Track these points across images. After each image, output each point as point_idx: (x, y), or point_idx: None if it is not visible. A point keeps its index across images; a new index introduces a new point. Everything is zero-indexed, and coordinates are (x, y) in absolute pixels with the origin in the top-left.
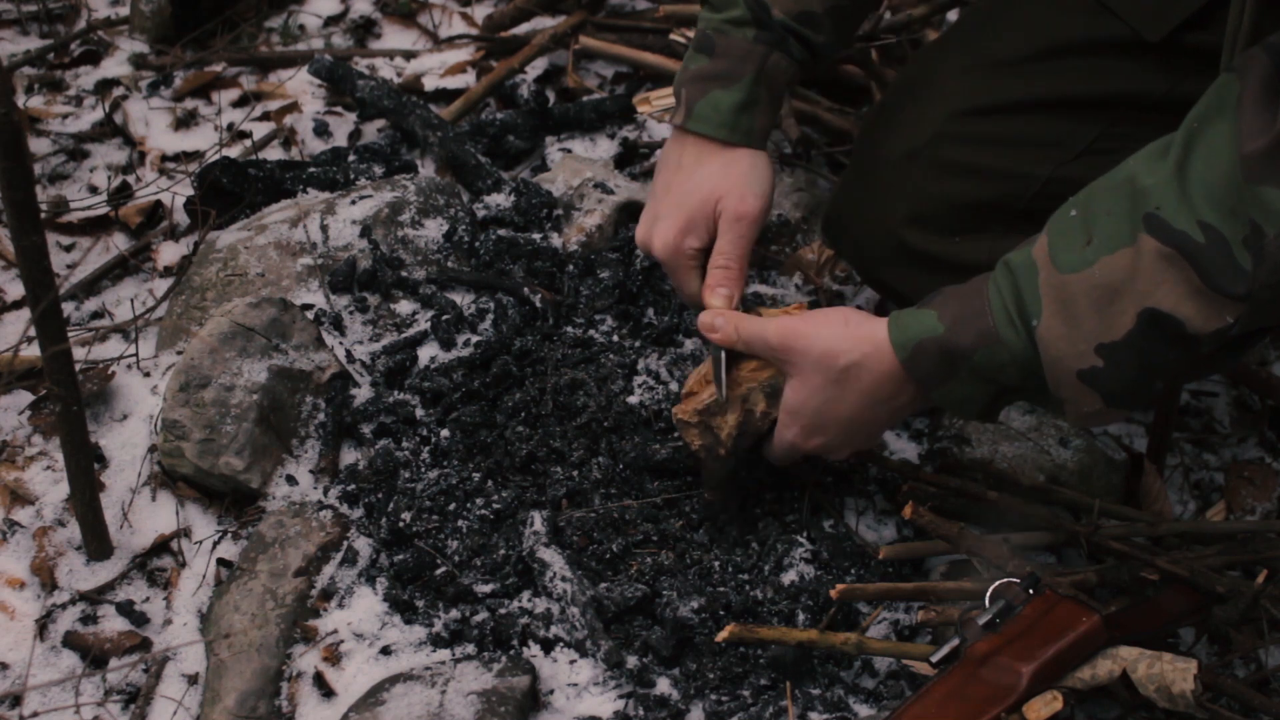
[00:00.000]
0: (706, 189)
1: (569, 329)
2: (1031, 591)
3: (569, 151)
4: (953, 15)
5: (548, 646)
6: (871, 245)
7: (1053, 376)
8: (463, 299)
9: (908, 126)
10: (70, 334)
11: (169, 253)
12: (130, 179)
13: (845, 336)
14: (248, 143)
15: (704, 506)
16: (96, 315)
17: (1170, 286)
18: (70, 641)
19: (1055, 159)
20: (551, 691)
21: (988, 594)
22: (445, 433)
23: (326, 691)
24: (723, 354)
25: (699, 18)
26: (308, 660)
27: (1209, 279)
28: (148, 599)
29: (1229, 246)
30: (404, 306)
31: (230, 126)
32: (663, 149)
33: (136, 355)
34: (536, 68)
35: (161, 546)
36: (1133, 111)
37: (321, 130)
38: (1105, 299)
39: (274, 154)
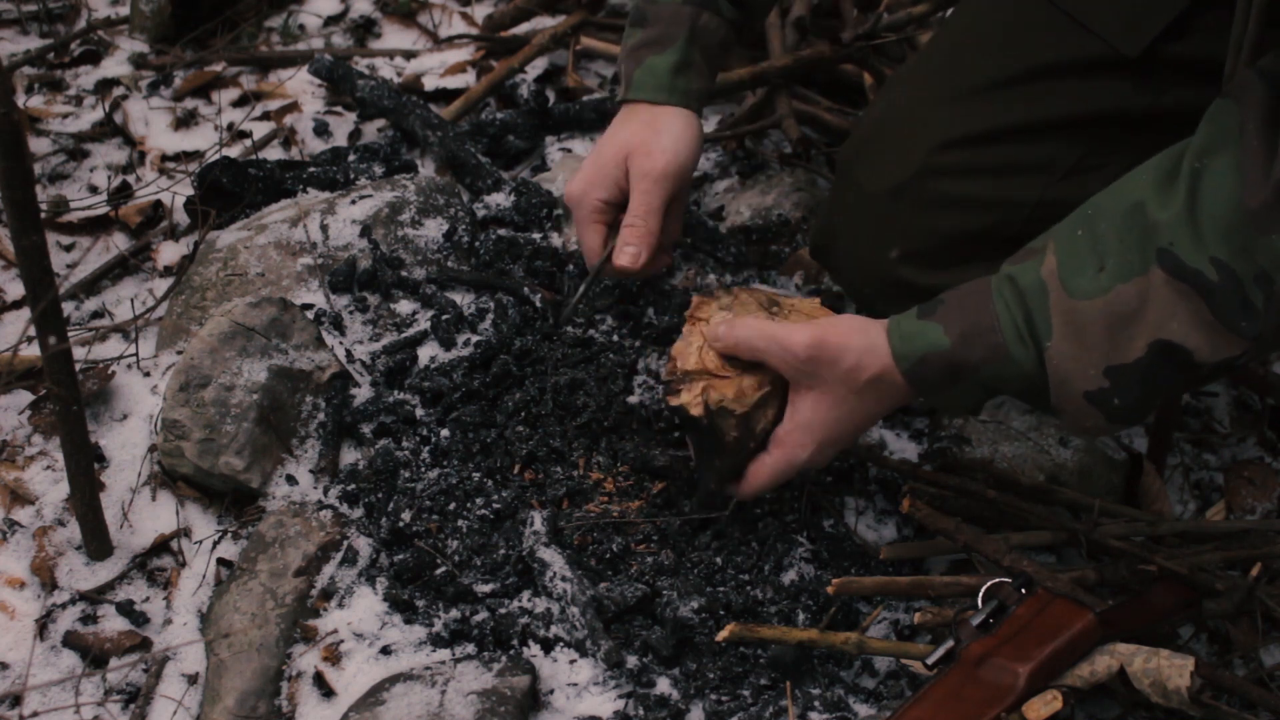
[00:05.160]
0: (619, 142)
1: (569, 329)
2: (1024, 591)
3: (569, 151)
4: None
5: (548, 646)
6: (864, 281)
7: (1058, 394)
8: (463, 299)
9: (891, 161)
10: (70, 334)
11: (169, 252)
12: (130, 179)
13: (866, 349)
14: (248, 142)
15: (703, 496)
16: (96, 315)
17: (1182, 318)
18: (70, 641)
19: (1043, 182)
20: (551, 691)
21: (980, 594)
22: (445, 432)
23: (326, 691)
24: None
25: None
26: (308, 660)
27: (1221, 314)
28: (148, 599)
29: (1241, 284)
30: (404, 306)
31: (230, 126)
32: None
33: (136, 355)
34: (536, 67)
35: (161, 546)
36: (1116, 128)
37: (321, 130)
38: (1117, 325)
39: (274, 154)
